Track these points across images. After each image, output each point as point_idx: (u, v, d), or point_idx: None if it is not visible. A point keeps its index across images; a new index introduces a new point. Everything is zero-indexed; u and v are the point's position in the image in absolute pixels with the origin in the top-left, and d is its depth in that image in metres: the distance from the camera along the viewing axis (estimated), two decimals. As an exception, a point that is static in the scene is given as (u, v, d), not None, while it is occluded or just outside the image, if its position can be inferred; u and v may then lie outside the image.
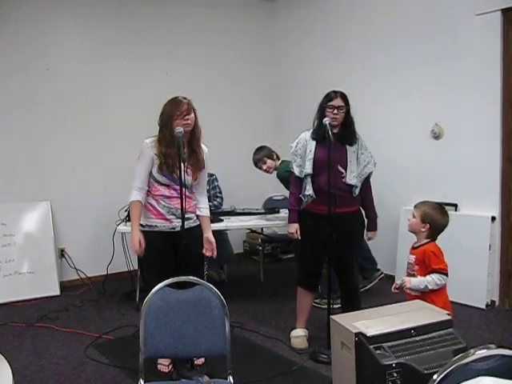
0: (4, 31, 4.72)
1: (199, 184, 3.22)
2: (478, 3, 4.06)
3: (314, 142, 3.35)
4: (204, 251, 3.19)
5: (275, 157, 4.46)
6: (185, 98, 3.07)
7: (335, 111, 3.26)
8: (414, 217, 2.94)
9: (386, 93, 4.92)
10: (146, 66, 5.38)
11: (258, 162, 4.47)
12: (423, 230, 2.89)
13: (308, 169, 3.32)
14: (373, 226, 3.49)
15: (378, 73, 4.96)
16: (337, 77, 5.24)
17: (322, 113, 3.31)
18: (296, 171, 3.40)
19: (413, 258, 2.90)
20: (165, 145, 3.01)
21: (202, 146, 3.17)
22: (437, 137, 4.50)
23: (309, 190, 3.32)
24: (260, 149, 4.51)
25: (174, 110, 3.01)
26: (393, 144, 4.83)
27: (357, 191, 3.35)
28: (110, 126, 5.19)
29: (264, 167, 4.44)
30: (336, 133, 3.30)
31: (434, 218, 2.88)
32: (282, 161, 4.40)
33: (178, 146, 2.86)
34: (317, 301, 4.03)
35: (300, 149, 3.40)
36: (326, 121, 3.19)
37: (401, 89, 4.78)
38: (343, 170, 3.29)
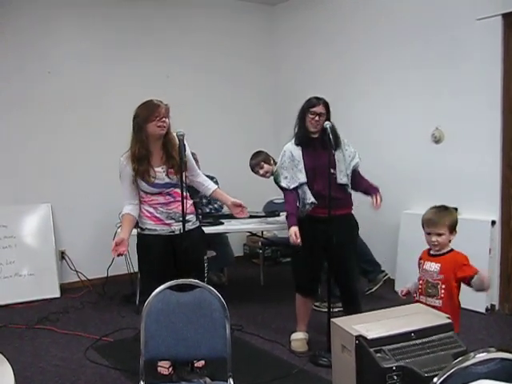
0: (5, 33, 4.74)
1: (191, 170, 3.18)
2: (479, 8, 4.07)
3: (299, 152, 3.35)
4: (236, 215, 3.23)
5: (272, 161, 4.47)
6: (161, 102, 3.03)
7: (316, 118, 3.26)
8: (439, 235, 2.69)
9: (386, 97, 4.93)
10: (146, 69, 5.39)
11: (254, 167, 4.49)
12: (451, 239, 2.72)
13: (302, 178, 3.32)
14: (375, 189, 3.39)
15: (378, 77, 4.97)
16: (337, 80, 5.27)
17: (303, 118, 3.32)
18: (284, 183, 3.39)
19: (437, 266, 2.70)
20: (139, 147, 2.98)
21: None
22: (437, 141, 4.51)
23: (310, 199, 3.31)
24: (257, 154, 4.53)
25: (151, 111, 2.96)
26: (393, 148, 4.84)
27: (349, 189, 3.39)
28: (110, 129, 5.19)
29: (261, 172, 4.46)
30: (316, 138, 3.32)
31: (456, 221, 2.74)
32: None
33: (179, 148, 2.87)
34: (317, 304, 4.03)
35: (285, 161, 3.39)
36: (327, 124, 3.21)
37: (401, 93, 4.79)
38: (334, 171, 3.30)
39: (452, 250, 2.75)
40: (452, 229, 2.71)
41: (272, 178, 4.47)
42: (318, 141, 3.31)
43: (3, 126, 4.78)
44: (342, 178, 3.32)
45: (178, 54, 5.61)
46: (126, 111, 5.59)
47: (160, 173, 3.04)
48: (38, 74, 4.90)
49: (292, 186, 3.35)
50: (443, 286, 2.67)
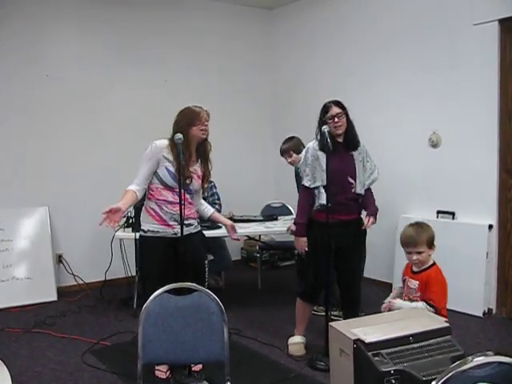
0: (3, 34, 4.73)
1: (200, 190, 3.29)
2: (476, 13, 4.09)
3: (323, 154, 3.28)
4: (233, 237, 3.40)
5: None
6: (201, 108, 3.12)
7: (336, 119, 3.25)
8: (418, 253, 2.76)
9: (383, 101, 4.94)
10: (145, 72, 5.40)
11: (284, 153, 4.36)
12: (430, 253, 2.78)
13: (323, 180, 3.26)
14: (372, 212, 3.37)
15: (376, 81, 4.99)
16: (335, 84, 5.28)
17: (323, 125, 3.28)
18: (306, 181, 3.31)
19: (416, 283, 2.77)
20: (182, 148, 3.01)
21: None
22: (434, 145, 4.52)
23: (323, 199, 3.26)
24: (288, 140, 4.38)
25: (196, 114, 3.06)
26: (390, 152, 4.84)
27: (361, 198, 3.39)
28: (108, 132, 5.20)
29: (289, 159, 4.32)
30: (341, 141, 3.31)
31: (433, 236, 2.78)
32: None
33: (177, 153, 2.88)
34: (314, 308, 4.02)
35: (309, 158, 3.33)
36: (325, 129, 3.19)
37: (399, 97, 4.80)
38: (353, 181, 3.29)
39: (433, 264, 2.80)
40: (430, 244, 2.77)
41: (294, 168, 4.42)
42: (341, 144, 3.30)
43: (1, 129, 4.77)
44: (361, 189, 3.33)
45: (176, 57, 5.62)
46: (125, 114, 5.61)
47: (191, 172, 3.11)
48: (36, 76, 4.89)
49: (313, 186, 3.29)
50: None
